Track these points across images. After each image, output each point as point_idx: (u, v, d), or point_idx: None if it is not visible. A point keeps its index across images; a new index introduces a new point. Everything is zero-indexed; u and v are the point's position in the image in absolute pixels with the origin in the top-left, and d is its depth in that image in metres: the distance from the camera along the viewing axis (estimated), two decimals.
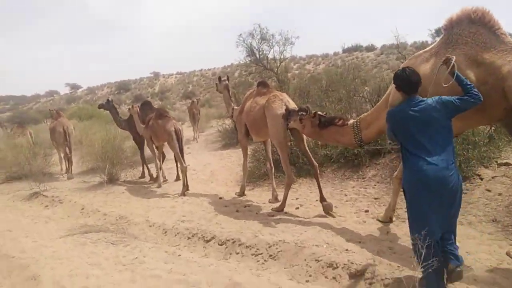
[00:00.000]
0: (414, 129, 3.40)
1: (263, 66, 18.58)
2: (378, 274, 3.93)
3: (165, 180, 10.01)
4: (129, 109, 10.88)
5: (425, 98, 3.48)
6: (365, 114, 5.45)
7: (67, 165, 12.39)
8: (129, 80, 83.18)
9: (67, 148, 12.20)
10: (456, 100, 3.42)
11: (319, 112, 5.74)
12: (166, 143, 9.59)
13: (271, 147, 7.91)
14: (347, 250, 4.64)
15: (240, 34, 18.59)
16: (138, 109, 10.50)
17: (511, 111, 3.77)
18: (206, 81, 72.09)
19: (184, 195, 8.60)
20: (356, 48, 63.61)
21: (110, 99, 12.16)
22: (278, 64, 18.40)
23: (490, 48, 3.85)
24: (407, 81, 3.50)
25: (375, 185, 7.52)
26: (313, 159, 6.78)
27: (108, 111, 12.30)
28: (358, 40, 77.75)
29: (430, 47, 4.50)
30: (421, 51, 4.61)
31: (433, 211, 3.31)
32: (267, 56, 18.46)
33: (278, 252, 4.82)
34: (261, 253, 4.92)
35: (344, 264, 4.21)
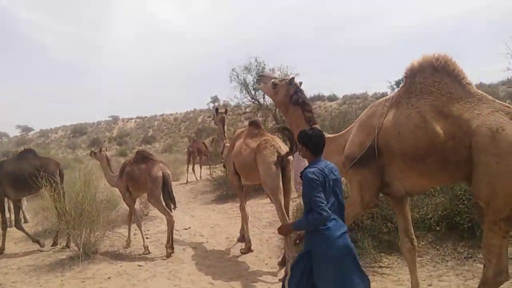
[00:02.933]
0: (328, 191, 3.06)
1: (258, 104, 15.68)
2: None
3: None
4: (93, 152, 8.87)
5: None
6: (329, 136, 4.32)
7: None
8: (85, 124, 78.26)
9: None
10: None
11: (297, 83, 4.78)
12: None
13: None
14: None
15: (233, 68, 15.70)
16: (106, 154, 8.46)
17: None
18: (167, 126, 69.04)
19: (169, 256, 6.64)
20: (319, 98, 63.10)
21: None
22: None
23: (457, 99, 3.45)
24: (317, 142, 3.23)
25: None
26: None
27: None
28: (320, 89, 77.78)
29: (391, 95, 3.99)
30: (382, 99, 4.08)
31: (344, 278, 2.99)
32: (263, 95, 15.55)
33: None
34: None
35: None
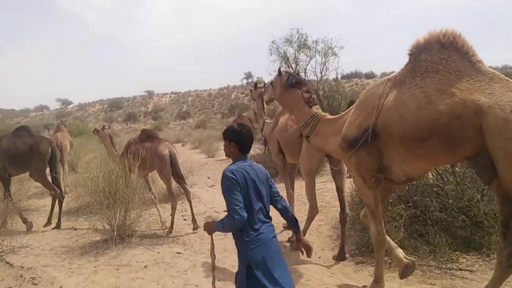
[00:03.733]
0: (253, 194, 2.79)
1: None
2: None
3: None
4: (96, 130, 8.82)
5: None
6: (330, 117, 4.45)
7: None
8: (122, 98, 79.24)
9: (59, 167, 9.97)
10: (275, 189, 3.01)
11: (289, 71, 4.81)
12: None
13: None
14: None
15: (273, 41, 14.71)
16: (109, 132, 8.48)
17: (483, 149, 3.06)
18: (201, 102, 68.98)
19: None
20: (356, 75, 61.19)
21: None
22: (319, 78, 14.55)
23: (465, 77, 3.19)
24: (247, 140, 2.98)
25: None
26: (346, 205, 5.36)
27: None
28: (358, 66, 75.36)
29: (393, 74, 3.67)
30: (383, 79, 3.77)
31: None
32: (305, 69, 14.58)
33: None
34: None
35: None
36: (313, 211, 5.48)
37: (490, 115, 2.97)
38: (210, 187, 11.10)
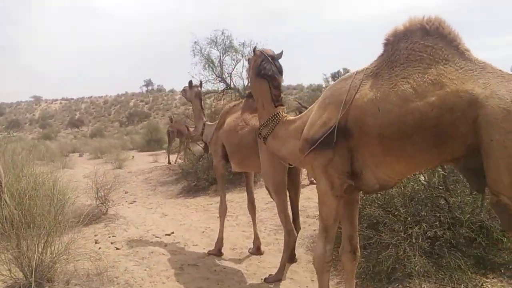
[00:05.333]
0: None
1: (226, 84, 13.51)
2: None
3: None
4: None
5: None
6: (288, 119, 3.83)
7: None
8: (2, 104, 70.27)
9: None
10: None
11: (265, 52, 3.90)
12: None
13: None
14: None
15: (196, 41, 13.38)
16: None
17: (474, 149, 2.66)
18: (96, 109, 64.13)
19: None
20: None
21: None
22: (246, 83, 13.55)
23: (454, 66, 2.81)
24: None
25: None
26: (299, 221, 4.99)
27: None
28: None
29: (365, 67, 3.21)
30: (351, 72, 3.35)
31: None
32: (230, 73, 13.48)
33: None
34: None
35: None
36: (290, 235, 4.64)
37: (487, 106, 2.60)
38: (131, 203, 9.39)
